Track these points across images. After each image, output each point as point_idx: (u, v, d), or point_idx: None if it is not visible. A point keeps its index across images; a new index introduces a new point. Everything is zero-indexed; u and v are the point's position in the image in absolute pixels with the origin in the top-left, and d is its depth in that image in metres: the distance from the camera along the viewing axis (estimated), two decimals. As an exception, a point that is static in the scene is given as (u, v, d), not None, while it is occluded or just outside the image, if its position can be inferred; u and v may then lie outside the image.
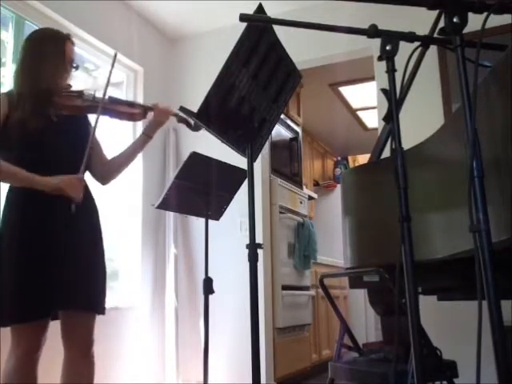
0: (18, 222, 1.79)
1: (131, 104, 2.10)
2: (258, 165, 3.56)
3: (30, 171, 1.82)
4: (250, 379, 1.45)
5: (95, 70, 3.55)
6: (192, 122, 2.12)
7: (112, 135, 2.89)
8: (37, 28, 2.90)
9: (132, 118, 2.09)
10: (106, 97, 1.98)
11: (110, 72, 1.98)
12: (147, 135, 2.10)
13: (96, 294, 1.86)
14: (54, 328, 1.83)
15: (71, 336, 1.82)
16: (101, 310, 1.87)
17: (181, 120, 2.14)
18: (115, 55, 2.01)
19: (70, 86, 2.00)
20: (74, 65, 2.00)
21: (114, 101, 2.02)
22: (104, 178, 2.10)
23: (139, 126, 3.55)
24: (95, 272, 1.87)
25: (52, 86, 1.89)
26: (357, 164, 6.68)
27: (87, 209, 1.93)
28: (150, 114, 2.12)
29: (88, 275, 1.83)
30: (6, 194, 1.86)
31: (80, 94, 1.96)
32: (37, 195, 1.79)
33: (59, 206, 1.82)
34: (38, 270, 1.74)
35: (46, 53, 1.91)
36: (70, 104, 1.92)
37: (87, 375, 1.82)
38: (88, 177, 2.04)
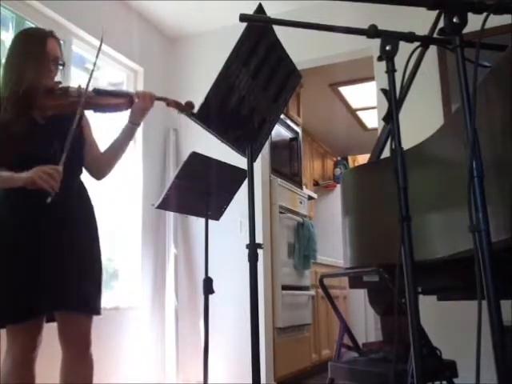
0: (8, 222, 1.78)
1: (117, 94, 2.01)
2: (258, 165, 3.55)
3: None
4: (250, 379, 1.45)
5: (95, 70, 3.55)
6: (183, 103, 1.99)
7: (108, 130, 2.86)
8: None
9: (118, 109, 1.99)
10: (91, 89, 1.89)
11: (95, 63, 1.92)
12: (134, 123, 2.01)
13: (91, 295, 1.84)
14: (52, 329, 1.83)
15: (68, 337, 1.82)
16: (96, 310, 1.85)
17: (169, 104, 2.01)
18: (101, 42, 1.94)
19: (59, 83, 1.95)
20: (60, 62, 1.94)
21: (98, 92, 1.94)
22: (98, 172, 2.04)
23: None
24: (90, 272, 1.85)
25: (35, 86, 1.83)
26: (357, 164, 6.68)
27: (82, 208, 1.92)
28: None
29: (83, 275, 1.81)
30: None
31: (65, 91, 1.88)
32: (28, 195, 1.79)
33: (53, 206, 1.81)
34: (30, 270, 1.73)
35: (27, 53, 1.86)
36: (53, 103, 1.85)
37: (85, 376, 1.81)
38: (83, 175, 2.02)
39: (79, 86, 1.90)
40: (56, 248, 1.78)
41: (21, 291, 1.71)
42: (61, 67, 1.97)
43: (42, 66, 1.88)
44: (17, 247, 1.75)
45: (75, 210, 1.88)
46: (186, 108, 1.97)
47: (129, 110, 2.00)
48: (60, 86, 1.94)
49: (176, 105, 1.99)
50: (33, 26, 2.88)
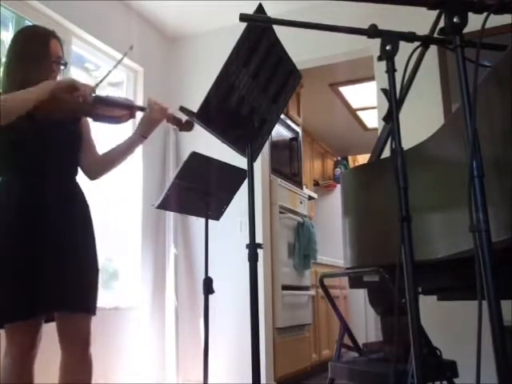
0: (7, 222, 1.78)
1: (120, 104, 1.93)
2: (257, 165, 3.55)
3: (19, 176, 1.82)
4: (250, 379, 1.45)
5: (95, 70, 3.55)
6: (183, 120, 1.96)
7: (108, 133, 2.86)
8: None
9: (118, 121, 1.94)
10: (92, 97, 1.85)
11: (107, 74, 1.90)
12: (142, 135, 1.95)
13: (87, 294, 1.83)
14: (51, 329, 1.83)
15: (67, 337, 1.81)
16: (92, 309, 1.84)
17: (169, 120, 1.98)
18: (123, 56, 1.92)
19: None
20: (62, 62, 1.93)
21: (100, 101, 1.88)
22: (93, 173, 2.02)
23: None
24: (87, 271, 1.85)
25: None
26: (357, 164, 6.68)
27: (77, 209, 1.91)
28: (139, 114, 1.99)
29: (79, 275, 1.81)
30: None
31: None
32: (27, 195, 1.79)
33: (49, 206, 1.81)
34: (28, 270, 1.73)
35: (30, 54, 1.85)
36: (55, 107, 1.81)
37: (84, 376, 1.80)
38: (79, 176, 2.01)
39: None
40: (53, 248, 1.78)
41: (19, 291, 1.71)
42: (63, 67, 1.96)
43: (45, 67, 1.87)
44: (15, 247, 1.75)
45: (70, 211, 1.87)
46: (185, 127, 1.97)
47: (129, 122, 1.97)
48: None
49: (175, 121, 1.98)
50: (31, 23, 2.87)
